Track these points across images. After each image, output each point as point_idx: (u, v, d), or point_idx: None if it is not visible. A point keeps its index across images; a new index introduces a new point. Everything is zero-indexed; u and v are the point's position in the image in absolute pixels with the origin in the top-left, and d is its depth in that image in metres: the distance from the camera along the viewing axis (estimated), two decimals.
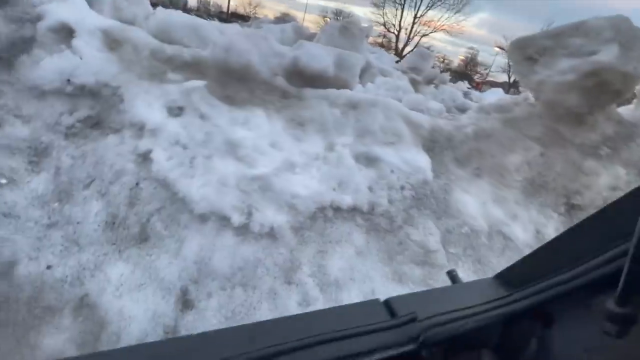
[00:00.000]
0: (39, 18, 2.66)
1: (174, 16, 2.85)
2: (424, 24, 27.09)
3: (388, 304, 0.64)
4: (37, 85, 2.28)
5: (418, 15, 26.71)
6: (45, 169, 2.19)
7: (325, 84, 3.26)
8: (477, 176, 2.86)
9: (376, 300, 0.65)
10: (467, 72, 59.28)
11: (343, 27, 4.81)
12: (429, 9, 26.79)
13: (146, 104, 2.54)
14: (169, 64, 2.88)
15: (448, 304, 0.62)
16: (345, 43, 4.80)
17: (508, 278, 0.69)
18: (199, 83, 2.73)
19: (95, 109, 2.50)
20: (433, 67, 6.72)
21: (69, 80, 2.34)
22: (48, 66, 2.28)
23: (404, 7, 26.32)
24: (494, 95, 7.11)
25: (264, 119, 2.81)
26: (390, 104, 3.02)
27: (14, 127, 2.23)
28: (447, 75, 6.08)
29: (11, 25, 2.71)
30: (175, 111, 2.66)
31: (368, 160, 2.65)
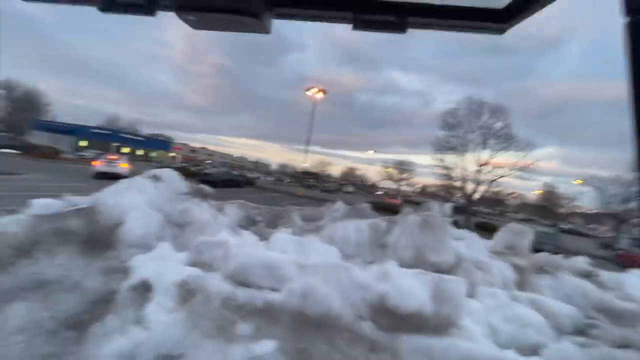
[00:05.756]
0: (126, 273, 2.70)
1: (252, 257, 2.71)
2: (494, 166, 27.16)
3: None
4: None
5: (481, 164, 27.22)
6: None
7: (422, 324, 2.55)
8: None
9: None
10: (546, 207, 54.77)
11: (423, 222, 4.45)
12: (493, 157, 27.38)
13: None
14: (239, 312, 2.53)
15: None
16: (428, 239, 4.32)
17: None
18: (267, 347, 2.24)
19: None
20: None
21: None
22: (111, 350, 2.03)
23: (465, 156, 27.45)
24: None
25: None
26: None
27: None
28: (560, 259, 4.95)
29: (102, 277, 2.78)
30: None
31: None
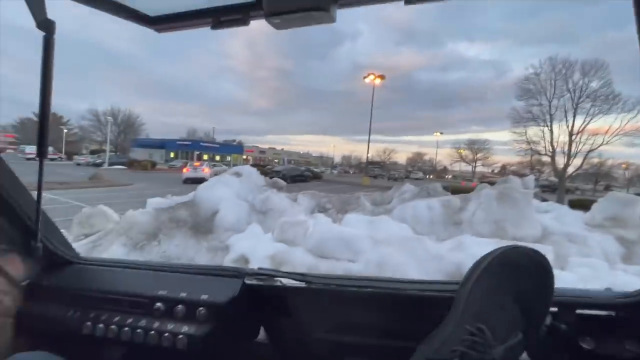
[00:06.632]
0: (227, 249, 3.22)
1: (329, 233, 2.98)
2: (591, 134, 23.13)
3: None
4: None
5: (574, 132, 23.50)
6: None
7: None
8: None
9: None
10: None
11: (501, 194, 4.22)
12: (588, 124, 23.34)
13: None
14: None
15: None
16: (507, 211, 4.09)
17: None
18: None
19: None
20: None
21: None
22: None
23: (551, 126, 23.97)
24: None
25: None
26: None
27: None
28: None
29: (209, 254, 3.35)
30: None
31: None
